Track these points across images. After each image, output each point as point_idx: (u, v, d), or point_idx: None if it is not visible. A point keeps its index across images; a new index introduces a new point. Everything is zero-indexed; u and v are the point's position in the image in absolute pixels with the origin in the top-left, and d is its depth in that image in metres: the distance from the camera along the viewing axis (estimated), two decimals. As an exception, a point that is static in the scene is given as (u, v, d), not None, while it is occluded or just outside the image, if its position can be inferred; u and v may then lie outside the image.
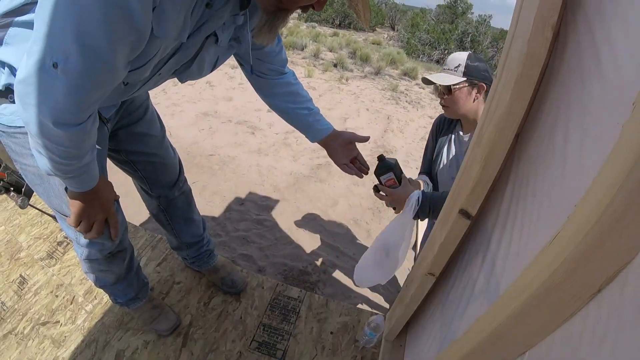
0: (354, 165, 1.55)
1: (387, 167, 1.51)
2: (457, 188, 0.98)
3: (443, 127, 1.81)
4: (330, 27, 21.82)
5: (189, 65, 1.10)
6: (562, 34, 0.76)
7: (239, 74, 8.26)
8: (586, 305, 0.50)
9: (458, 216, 0.96)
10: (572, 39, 0.72)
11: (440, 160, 1.74)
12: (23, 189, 1.39)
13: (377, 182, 1.59)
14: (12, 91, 0.99)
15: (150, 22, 0.78)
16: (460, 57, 1.61)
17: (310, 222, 3.56)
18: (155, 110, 1.58)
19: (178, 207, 1.77)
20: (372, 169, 1.54)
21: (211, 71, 1.21)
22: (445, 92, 1.62)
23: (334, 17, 23.87)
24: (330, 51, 12.12)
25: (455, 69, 1.60)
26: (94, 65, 0.76)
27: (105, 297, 1.89)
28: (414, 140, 5.94)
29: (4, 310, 1.85)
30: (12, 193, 1.40)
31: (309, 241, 3.28)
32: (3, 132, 1.06)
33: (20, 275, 2.03)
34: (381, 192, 1.59)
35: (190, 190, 1.84)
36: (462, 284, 1.02)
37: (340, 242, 3.31)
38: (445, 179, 1.74)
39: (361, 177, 1.58)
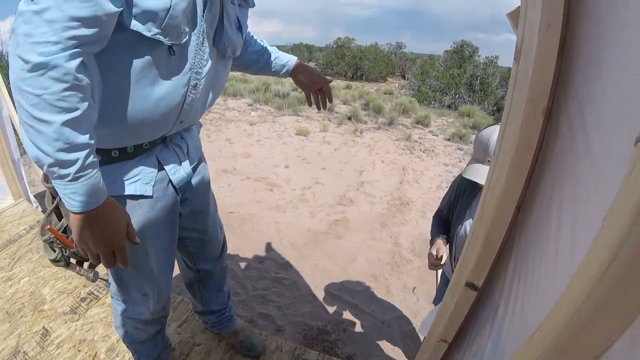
0: (320, 96, 1.64)
1: None
2: (464, 261, 1.02)
3: (465, 191, 1.77)
4: (343, 80, 22.42)
5: (221, 27, 1.12)
6: (554, 114, 0.81)
7: (257, 130, 8.52)
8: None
9: (465, 288, 1.00)
10: (564, 122, 0.75)
11: (462, 226, 1.72)
12: (90, 262, 1.39)
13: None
14: None
15: None
16: None
17: (328, 279, 3.56)
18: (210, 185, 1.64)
19: (214, 279, 1.84)
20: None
21: (241, 36, 1.26)
22: None
23: (346, 69, 24.59)
24: (344, 104, 12.41)
25: None
26: None
27: (127, 355, 1.92)
28: (430, 190, 5.97)
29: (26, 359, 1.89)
30: (78, 267, 1.41)
31: (328, 299, 3.28)
32: None
33: (44, 327, 2.07)
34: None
35: (227, 266, 1.90)
36: (473, 351, 1.04)
37: (359, 299, 3.30)
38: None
39: (319, 110, 1.67)
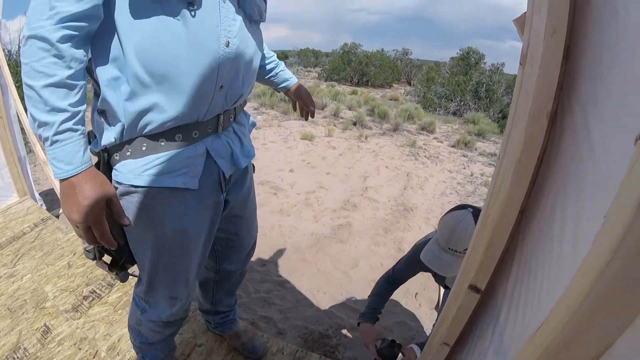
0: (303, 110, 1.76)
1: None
2: (467, 264, 1.02)
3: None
4: (349, 86, 22.49)
5: None
6: (559, 117, 0.82)
7: (262, 134, 8.54)
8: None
9: (468, 291, 1.00)
10: (568, 122, 0.76)
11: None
12: (120, 263, 1.35)
13: None
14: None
15: None
16: (469, 235, 1.31)
17: (331, 283, 3.56)
18: (254, 191, 1.63)
19: (231, 282, 1.82)
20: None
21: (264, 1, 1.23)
22: None
23: (352, 75, 24.66)
24: (350, 109, 12.45)
25: (464, 252, 1.33)
26: None
27: (128, 354, 1.93)
28: (434, 196, 5.96)
29: (26, 356, 1.89)
30: (108, 266, 1.35)
31: (329, 303, 3.27)
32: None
33: (45, 325, 2.08)
34: None
35: (247, 270, 1.87)
36: (475, 355, 1.04)
37: (361, 305, 3.29)
38: None
39: (301, 117, 1.81)
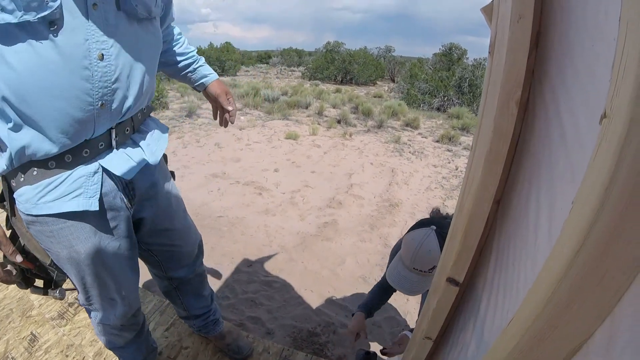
0: (222, 114, 1.64)
1: None
2: (444, 258, 1.01)
3: None
4: (333, 84, 22.52)
5: None
6: (531, 106, 0.81)
7: (246, 135, 8.49)
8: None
9: (446, 284, 0.99)
10: (540, 109, 0.76)
11: None
12: (53, 281, 1.33)
13: None
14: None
15: None
16: (434, 255, 1.37)
17: (318, 281, 3.55)
18: (180, 199, 1.56)
19: (191, 285, 1.78)
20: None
21: None
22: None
23: (336, 73, 24.69)
24: (334, 107, 12.47)
25: (430, 271, 1.40)
26: None
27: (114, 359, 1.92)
28: (419, 191, 5.99)
29: (14, 365, 1.87)
30: (42, 290, 1.33)
31: (317, 301, 3.27)
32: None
33: (31, 333, 2.07)
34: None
35: (204, 271, 1.83)
36: (458, 348, 1.04)
37: (349, 302, 3.29)
38: None
39: (220, 125, 1.68)
